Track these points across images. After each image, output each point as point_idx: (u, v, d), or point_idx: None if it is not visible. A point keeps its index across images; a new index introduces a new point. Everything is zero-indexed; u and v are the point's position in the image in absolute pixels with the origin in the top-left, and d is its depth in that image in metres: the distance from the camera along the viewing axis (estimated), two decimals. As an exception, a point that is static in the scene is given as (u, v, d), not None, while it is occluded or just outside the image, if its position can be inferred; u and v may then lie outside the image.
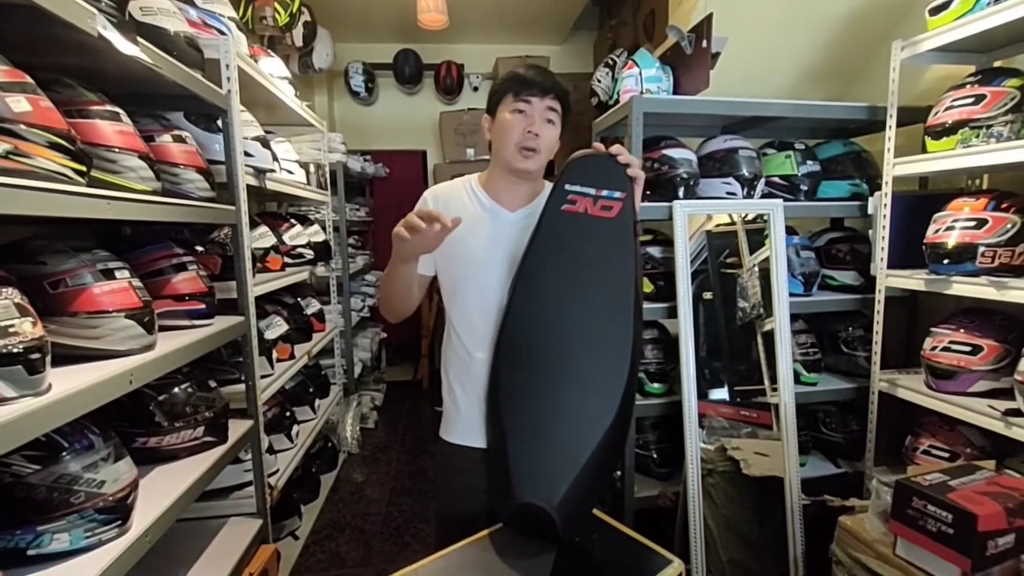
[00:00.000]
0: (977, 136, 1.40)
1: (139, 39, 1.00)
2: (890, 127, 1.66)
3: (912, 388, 1.57)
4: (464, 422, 1.11)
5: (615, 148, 1.00)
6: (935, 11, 1.48)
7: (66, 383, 0.81)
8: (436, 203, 1.10)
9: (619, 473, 1.81)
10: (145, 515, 0.96)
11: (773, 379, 1.76)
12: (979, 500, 1.00)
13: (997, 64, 1.59)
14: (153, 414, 1.18)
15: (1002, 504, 0.99)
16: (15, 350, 0.72)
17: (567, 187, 1.01)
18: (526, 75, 1.05)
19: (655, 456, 1.92)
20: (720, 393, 1.83)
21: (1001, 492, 1.03)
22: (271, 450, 1.82)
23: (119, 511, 0.89)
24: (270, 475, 1.69)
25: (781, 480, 1.67)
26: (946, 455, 1.50)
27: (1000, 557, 0.98)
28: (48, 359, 0.78)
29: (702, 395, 1.73)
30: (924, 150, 1.55)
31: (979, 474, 1.12)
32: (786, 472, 1.68)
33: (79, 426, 0.88)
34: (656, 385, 1.86)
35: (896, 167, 1.63)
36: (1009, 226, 1.35)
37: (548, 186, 1.15)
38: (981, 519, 0.96)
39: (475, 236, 1.07)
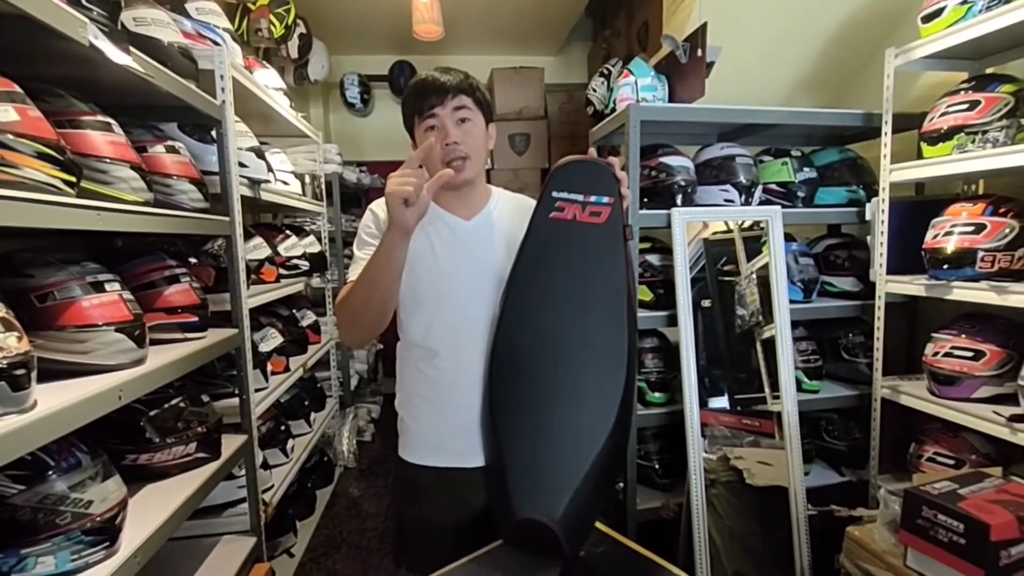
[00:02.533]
0: (973, 141, 1.40)
1: (132, 49, 0.99)
2: (886, 133, 1.67)
3: (915, 395, 1.56)
4: (425, 440, 1.06)
5: (611, 159, 0.98)
6: (927, 19, 1.49)
7: (52, 399, 0.79)
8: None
9: (621, 485, 1.78)
10: (134, 536, 0.93)
11: (773, 387, 1.74)
12: (990, 509, 0.98)
13: (989, 71, 1.60)
14: (144, 430, 1.15)
15: (1014, 512, 0.97)
16: (-1, 366, 0.70)
17: (554, 194, 0.98)
18: (420, 85, 1.00)
19: (657, 467, 1.89)
20: (720, 401, 1.81)
21: (1011, 500, 1.02)
22: (265, 465, 1.78)
23: (107, 532, 0.86)
24: (264, 491, 1.66)
25: (785, 490, 1.65)
26: (951, 462, 1.48)
27: (1014, 567, 0.96)
28: (34, 375, 0.76)
29: (702, 404, 1.71)
30: (919, 156, 1.55)
31: (988, 482, 1.11)
32: (790, 482, 1.65)
33: (66, 443, 0.85)
34: (657, 394, 1.84)
35: (893, 173, 1.63)
36: (1007, 231, 1.35)
37: (497, 191, 1.13)
38: (994, 528, 0.94)
39: (435, 248, 1.03)
